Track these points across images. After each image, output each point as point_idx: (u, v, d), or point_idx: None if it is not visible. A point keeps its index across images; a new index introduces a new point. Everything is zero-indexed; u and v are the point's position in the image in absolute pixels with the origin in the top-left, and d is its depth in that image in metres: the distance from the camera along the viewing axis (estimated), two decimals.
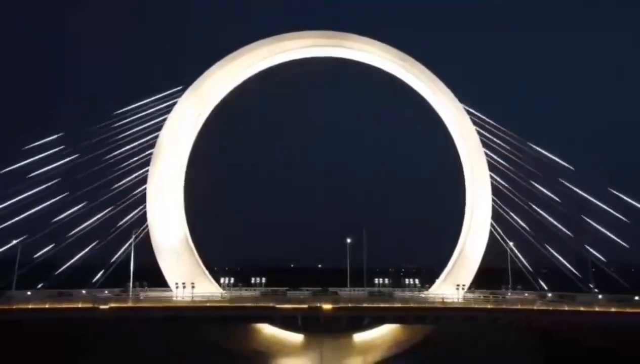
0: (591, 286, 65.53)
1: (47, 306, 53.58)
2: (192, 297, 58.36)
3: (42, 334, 55.64)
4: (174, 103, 69.85)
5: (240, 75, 72.64)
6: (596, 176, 72.39)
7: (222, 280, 75.58)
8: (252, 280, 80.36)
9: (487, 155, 72.70)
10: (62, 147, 64.97)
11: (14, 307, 53.55)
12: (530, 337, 74.19)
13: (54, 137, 66.63)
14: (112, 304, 54.38)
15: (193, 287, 59.22)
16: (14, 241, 63.70)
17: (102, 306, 53.82)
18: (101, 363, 56.22)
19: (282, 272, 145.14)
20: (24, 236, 63.32)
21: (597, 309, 56.29)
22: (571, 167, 69.11)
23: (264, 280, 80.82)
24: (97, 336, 56.30)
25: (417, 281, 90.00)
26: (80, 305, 54.70)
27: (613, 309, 55.93)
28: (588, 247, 65.06)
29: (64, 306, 54.36)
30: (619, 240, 62.11)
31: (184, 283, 59.22)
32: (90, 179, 65.71)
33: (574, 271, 65.77)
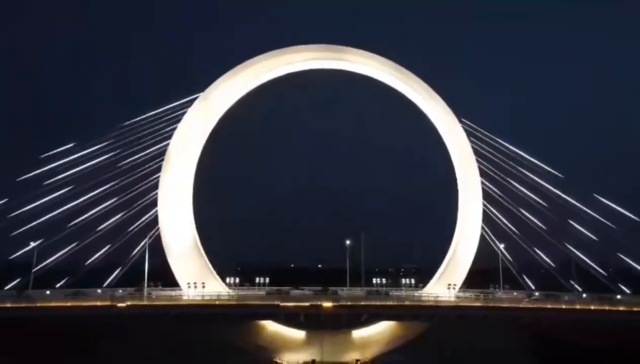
0: (574, 285, 69.78)
1: (68, 304, 57.71)
2: (203, 296, 62.58)
3: (63, 329, 60.16)
4: (184, 113, 74.20)
5: (246, 86, 76.77)
6: (582, 182, 77.28)
7: (227, 280, 79.88)
8: (257, 280, 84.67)
9: (478, 162, 77.06)
10: (78, 154, 69.16)
11: (38, 305, 57.71)
12: (523, 336, 79.07)
13: (70, 145, 70.92)
14: (129, 302, 58.64)
15: (203, 287, 63.59)
16: (32, 244, 68.30)
17: (119, 304, 58.10)
18: (118, 355, 60.64)
19: (282, 272, 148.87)
20: (41, 240, 67.78)
21: (577, 307, 60.80)
22: (560, 175, 73.69)
23: (267, 280, 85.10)
24: (115, 331, 60.72)
25: (412, 281, 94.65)
26: (99, 303, 58.92)
27: (592, 307, 60.42)
28: (572, 248, 69.30)
29: (84, 304, 58.68)
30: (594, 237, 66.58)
31: (195, 283, 63.56)
32: (104, 185, 70.14)
33: (552, 273, 70.39)
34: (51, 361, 61.25)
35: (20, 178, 68.30)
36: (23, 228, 65.47)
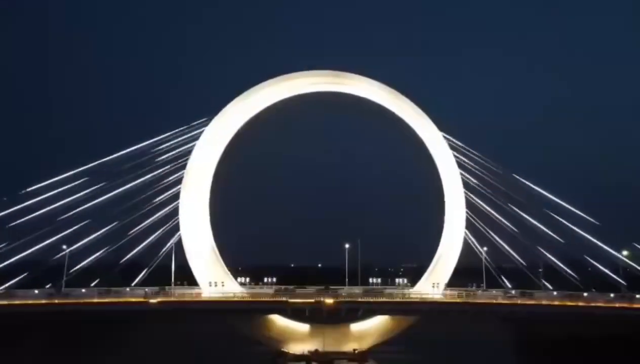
0: (546, 284, 79.74)
1: (108, 300, 67.43)
2: (223, 293, 72.33)
3: (102, 321, 70.01)
4: (201, 132, 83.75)
5: (256, 107, 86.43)
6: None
7: (238, 280, 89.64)
8: (265, 280, 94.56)
9: (462, 175, 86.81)
10: (110, 171, 78.70)
11: (82, 301, 67.43)
12: (503, 328, 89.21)
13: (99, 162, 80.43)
14: (160, 299, 68.33)
15: (223, 285, 73.37)
16: (65, 249, 77.87)
17: (151, 300, 67.80)
18: (149, 344, 70.37)
19: (282, 271, 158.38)
20: (77, 245, 77.25)
21: (543, 302, 70.86)
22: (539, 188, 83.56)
23: (274, 279, 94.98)
24: (147, 322, 70.50)
25: (405, 280, 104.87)
26: (133, 299, 68.60)
27: (556, 302, 70.54)
28: (543, 250, 79.25)
29: (121, 300, 68.35)
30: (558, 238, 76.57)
31: (215, 282, 73.35)
32: (130, 198, 79.64)
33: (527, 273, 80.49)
34: (90, 347, 71.06)
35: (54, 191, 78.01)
36: (58, 235, 75.33)
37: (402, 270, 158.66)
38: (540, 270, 79.29)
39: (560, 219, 77.29)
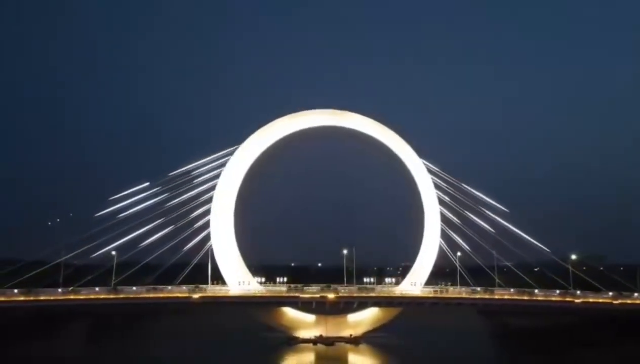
0: (500, 282, 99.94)
1: (161, 295, 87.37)
2: (247, 290, 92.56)
3: (153, 311, 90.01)
4: (228, 159, 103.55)
5: (273, 137, 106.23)
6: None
7: (257, 279, 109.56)
8: (278, 280, 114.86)
9: (437, 194, 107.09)
10: (157, 188, 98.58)
11: (139, 296, 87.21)
12: (474, 317, 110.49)
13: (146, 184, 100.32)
14: (200, 294, 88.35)
15: (249, 284, 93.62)
16: (113, 253, 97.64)
17: (194, 296, 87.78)
18: (189, 328, 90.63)
19: (286, 270, 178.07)
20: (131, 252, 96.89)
21: (496, 296, 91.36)
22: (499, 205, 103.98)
23: (285, 279, 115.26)
24: (190, 312, 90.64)
25: (393, 280, 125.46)
26: (180, 294, 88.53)
27: (506, 297, 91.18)
28: (495, 254, 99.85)
29: (170, 295, 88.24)
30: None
31: (243, 281, 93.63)
32: (172, 211, 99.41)
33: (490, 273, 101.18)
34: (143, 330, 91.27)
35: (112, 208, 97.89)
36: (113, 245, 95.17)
37: (400, 268, 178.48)
38: (495, 270, 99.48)
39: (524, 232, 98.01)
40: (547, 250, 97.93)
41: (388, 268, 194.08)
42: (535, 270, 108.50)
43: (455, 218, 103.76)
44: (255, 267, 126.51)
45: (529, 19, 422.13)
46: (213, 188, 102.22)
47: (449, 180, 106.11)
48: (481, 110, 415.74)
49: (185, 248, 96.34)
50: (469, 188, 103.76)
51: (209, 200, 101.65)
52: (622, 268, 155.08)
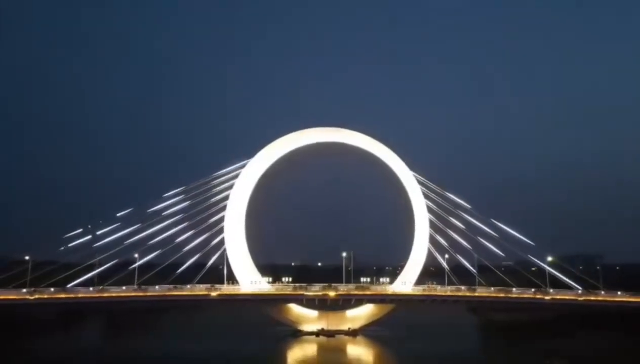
0: (481, 281, 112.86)
1: (184, 293, 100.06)
2: (257, 289, 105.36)
3: (173, 307, 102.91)
4: (239, 172, 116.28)
5: (280, 152, 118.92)
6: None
7: (265, 278, 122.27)
8: (283, 279, 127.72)
9: (426, 203, 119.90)
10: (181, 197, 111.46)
11: (162, 294, 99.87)
12: (461, 312, 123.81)
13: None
14: (218, 292, 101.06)
15: (260, 283, 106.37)
16: (135, 255, 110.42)
17: (212, 294, 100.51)
18: (207, 320, 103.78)
19: (287, 269, 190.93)
20: (159, 251, 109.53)
21: (476, 294, 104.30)
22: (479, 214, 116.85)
23: (289, 279, 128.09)
24: (206, 308, 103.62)
25: (387, 279, 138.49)
26: (199, 292, 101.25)
27: (484, 294, 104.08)
28: (476, 256, 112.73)
29: (190, 293, 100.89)
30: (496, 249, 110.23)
31: (255, 281, 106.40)
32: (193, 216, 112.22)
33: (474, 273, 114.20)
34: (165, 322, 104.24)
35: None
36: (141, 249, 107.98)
37: (398, 268, 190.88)
38: (475, 270, 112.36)
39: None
40: (524, 255, 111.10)
41: (387, 268, 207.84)
42: (517, 270, 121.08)
43: (440, 224, 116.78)
44: (263, 267, 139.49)
45: (525, 20, 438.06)
46: (227, 197, 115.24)
47: (436, 190, 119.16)
48: (473, 117, 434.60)
49: (201, 252, 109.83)
50: (453, 196, 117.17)
51: (224, 208, 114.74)
52: (617, 268, 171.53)
